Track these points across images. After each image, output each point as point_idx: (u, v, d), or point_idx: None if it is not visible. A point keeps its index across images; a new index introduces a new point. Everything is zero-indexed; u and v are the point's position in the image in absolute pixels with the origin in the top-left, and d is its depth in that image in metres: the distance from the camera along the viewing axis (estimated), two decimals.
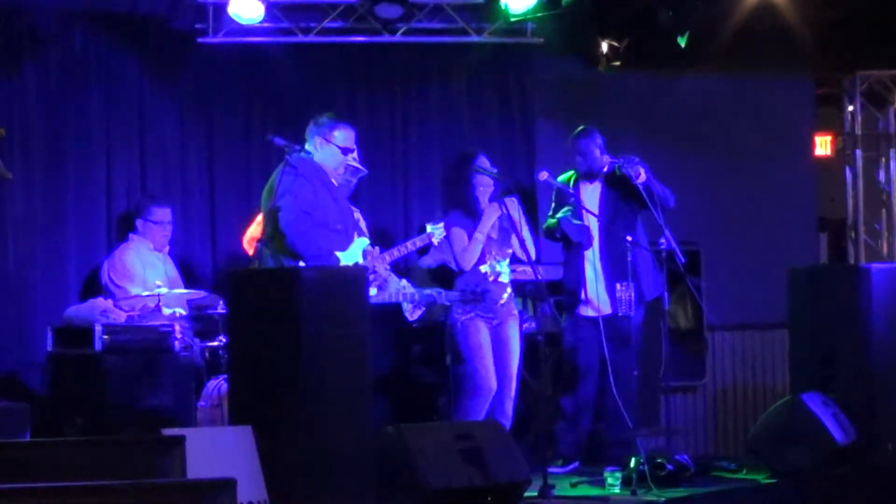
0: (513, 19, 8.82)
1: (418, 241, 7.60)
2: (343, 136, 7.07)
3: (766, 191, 9.80)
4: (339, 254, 6.82)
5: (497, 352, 7.37)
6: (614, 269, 7.70)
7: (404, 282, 7.54)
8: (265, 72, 8.88)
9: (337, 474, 5.81)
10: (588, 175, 7.95)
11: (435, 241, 7.61)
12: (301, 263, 6.69)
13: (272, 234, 6.73)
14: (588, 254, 7.83)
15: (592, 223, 7.85)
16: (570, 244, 7.90)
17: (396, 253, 7.44)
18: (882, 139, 10.59)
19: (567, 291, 7.86)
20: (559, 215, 7.91)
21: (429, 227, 7.65)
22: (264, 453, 5.66)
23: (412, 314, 7.41)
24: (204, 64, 8.73)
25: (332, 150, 7.03)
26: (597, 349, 7.75)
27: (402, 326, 8.66)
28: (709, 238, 9.46)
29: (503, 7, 8.65)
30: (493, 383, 7.28)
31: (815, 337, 7.82)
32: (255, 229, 7.90)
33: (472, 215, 7.42)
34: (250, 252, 7.86)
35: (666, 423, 8.18)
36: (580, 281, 7.83)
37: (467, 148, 7.92)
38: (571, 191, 7.81)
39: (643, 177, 7.64)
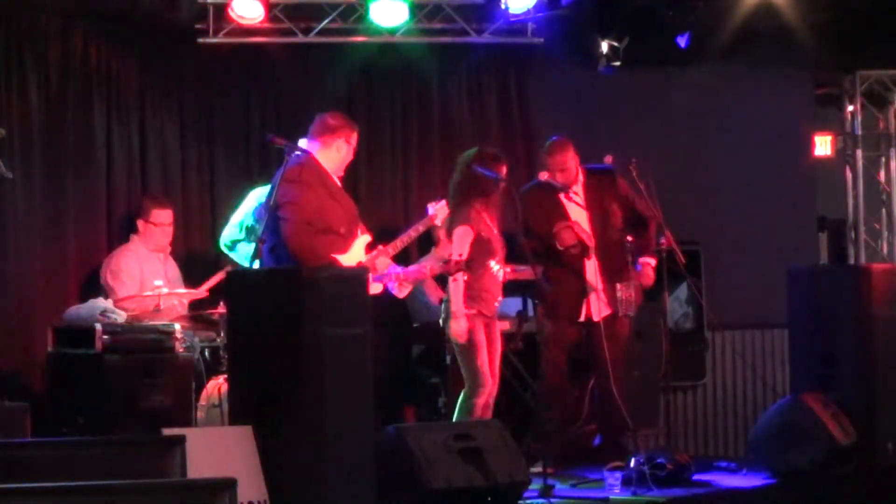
0: (513, 19, 8.82)
1: (421, 227, 7.48)
2: (356, 138, 7.08)
3: (766, 191, 9.80)
4: (340, 257, 6.80)
5: (488, 350, 7.35)
6: (612, 272, 7.68)
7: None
8: (265, 72, 8.88)
9: (337, 474, 5.81)
10: (564, 186, 7.82)
11: (438, 221, 7.52)
12: None
13: (276, 242, 6.72)
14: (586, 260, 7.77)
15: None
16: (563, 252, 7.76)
17: (400, 244, 7.36)
18: (882, 139, 10.59)
19: (563, 296, 7.69)
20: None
21: (430, 208, 7.58)
22: (264, 453, 5.66)
23: (401, 291, 7.31)
24: (204, 64, 8.73)
25: (350, 151, 7.03)
26: (591, 350, 7.78)
27: (402, 326, 8.68)
28: (709, 238, 9.46)
29: (503, 7, 8.65)
30: (490, 381, 7.28)
31: (815, 337, 7.81)
32: (234, 232, 7.87)
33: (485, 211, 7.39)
34: (234, 255, 7.84)
35: (666, 423, 8.18)
36: (583, 285, 7.75)
37: (468, 148, 7.90)
38: (573, 193, 7.77)
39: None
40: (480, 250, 7.28)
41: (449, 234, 7.40)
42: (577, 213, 7.78)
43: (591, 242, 7.68)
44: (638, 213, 7.81)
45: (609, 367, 7.59)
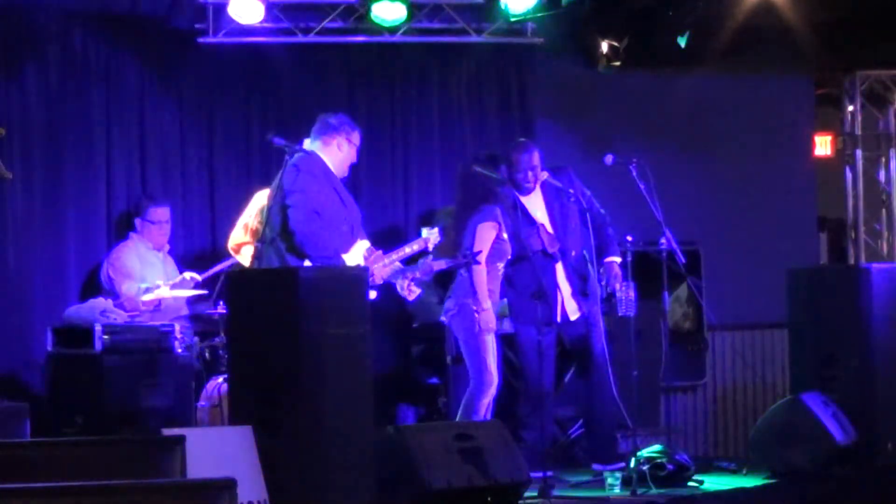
0: (513, 19, 8.82)
1: (415, 246, 7.49)
2: (358, 138, 7.09)
3: (766, 191, 9.80)
4: (343, 255, 6.81)
5: None
6: (578, 276, 7.71)
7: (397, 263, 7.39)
8: (265, 72, 8.87)
9: (337, 474, 5.82)
10: (527, 189, 7.81)
11: (430, 245, 7.55)
12: (307, 263, 6.66)
13: (279, 232, 6.71)
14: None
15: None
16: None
17: (395, 256, 7.38)
18: (882, 139, 10.59)
19: (545, 298, 7.67)
20: None
21: (424, 232, 7.59)
22: (264, 453, 5.66)
23: (410, 293, 7.29)
24: (204, 64, 8.72)
25: (352, 151, 7.03)
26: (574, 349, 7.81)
27: (402, 326, 8.67)
28: (709, 238, 9.46)
29: (503, 7, 8.65)
30: (496, 380, 7.28)
31: (815, 337, 7.82)
32: (240, 234, 7.85)
33: (506, 209, 7.40)
34: (239, 258, 7.83)
35: (666, 423, 8.17)
36: (555, 287, 7.76)
37: (468, 148, 7.91)
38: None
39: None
40: (498, 250, 7.30)
41: (457, 237, 7.37)
42: (541, 217, 7.78)
43: (554, 248, 7.69)
44: (594, 213, 7.79)
45: (594, 364, 7.64)
